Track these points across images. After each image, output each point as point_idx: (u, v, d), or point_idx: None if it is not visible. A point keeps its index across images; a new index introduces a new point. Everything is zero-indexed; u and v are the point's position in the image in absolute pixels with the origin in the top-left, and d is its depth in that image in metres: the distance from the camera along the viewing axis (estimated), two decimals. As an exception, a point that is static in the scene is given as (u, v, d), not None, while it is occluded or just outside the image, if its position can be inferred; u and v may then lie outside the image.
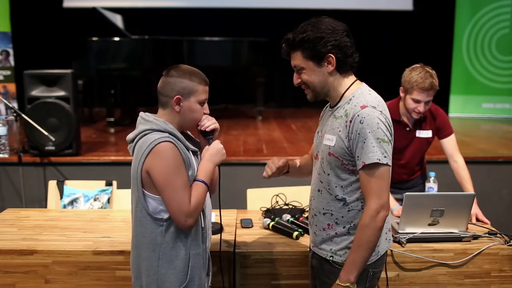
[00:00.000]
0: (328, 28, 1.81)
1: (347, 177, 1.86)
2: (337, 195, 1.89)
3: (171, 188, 1.80)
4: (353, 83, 1.89)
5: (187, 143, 1.91)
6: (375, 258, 1.90)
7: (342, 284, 1.81)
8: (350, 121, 1.80)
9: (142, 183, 1.84)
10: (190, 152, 1.92)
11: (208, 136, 1.98)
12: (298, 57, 1.85)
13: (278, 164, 2.12)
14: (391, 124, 1.84)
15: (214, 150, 1.95)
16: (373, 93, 1.88)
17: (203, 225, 1.93)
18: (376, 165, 1.76)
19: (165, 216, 1.86)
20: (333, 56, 1.82)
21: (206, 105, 1.95)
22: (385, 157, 1.77)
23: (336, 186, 1.88)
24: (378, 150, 1.76)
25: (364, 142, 1.76)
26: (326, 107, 2.03)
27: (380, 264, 1.95)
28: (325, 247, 1.95)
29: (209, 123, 1.97)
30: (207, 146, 1.97)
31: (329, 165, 1.88)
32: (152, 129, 1.85)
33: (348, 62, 1.85)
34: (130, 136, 1.93)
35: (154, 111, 1.96)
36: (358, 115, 1.78)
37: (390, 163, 1.80)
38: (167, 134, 1.84)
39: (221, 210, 2.08)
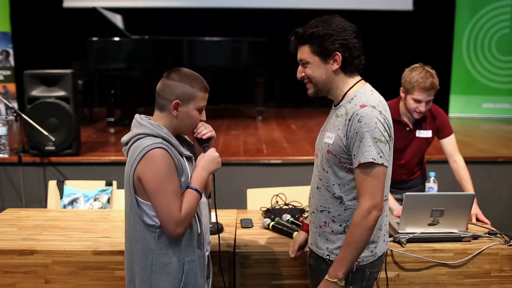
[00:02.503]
0: (339, 26, 1.82)
1: (344, 176, 1.87)
2: (335, 193, 1.89)
3: (161, 195, 1.77)
4: (356, 82, 1.90)
5: (181, 149, 1.88)
6: (372, 258, 1.91)
7: (330, 280, 1.82)
8: (349, 120, 1.80)
9: (135, 189, 1.82)
10: (184, 158, 1.89)
11: (204, 144, 1.95)
12: (306, 51, 1.86)
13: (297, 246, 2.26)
14: (391, 125, 1.85)
15: (210, 157, 1.92)
16: (375, 93, 1.88)
17: (199, 231, 1.91)
18: (371, 164, 1.77)
19: (159, 222, 1.83)
20: (339, 54, 1.83)
21: (203, 113, 1.92)
22: (380, 157, 1.77)
23: (333, 184, 1.89)
24: (374, 149, 1.76)
25: (361, 141, 1.77)
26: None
27: (377, 265, 1.96)
28: (321, 245, 1.95)
29: (206, 131, 1.94)
30: (202, 154, 1.94)
31: (328, 162, 1.89)
32: (145, 133, 1.83)
33: (354, 63, 1.86)
34: (124, 138, 1.90)
35: (153, 112, 1.95)
36: (356, 114, 1.78)
37: (386, 164, 1.80)
38: (160, 140, 1.81)
39: (221, 210, 2.10)
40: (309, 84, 1.92)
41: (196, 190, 1.85)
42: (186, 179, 1.86)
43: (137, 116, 1.91)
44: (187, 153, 1.92)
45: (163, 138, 1.82)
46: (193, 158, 1.97)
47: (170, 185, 1.78)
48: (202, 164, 1.91)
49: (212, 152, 1.94)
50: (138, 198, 1.83)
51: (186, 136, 2.03)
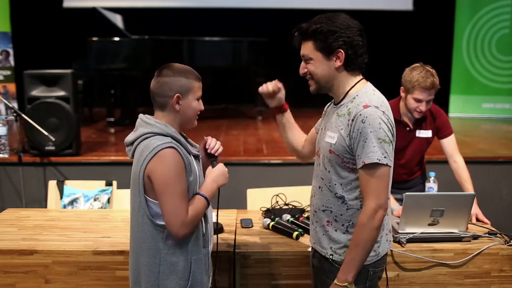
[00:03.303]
0: (343, 24, 1.82)
1: (347, 175, 1.86)
2: (337, 193, 1.89)
3: (169, 195, 1.78)
4: (358, 81, 1.89)
5: (189, 148, 1.90)
6: (375, 258, 1.91)
7: (340, 284, 1.81)
8: (352, 120, 1.80)
9: (144, 188, 1.82)
10: (192, 156, 1.90)
11: (213, 158, 2.03)
12: (309, 47, 1.86)
13: (274, 85, 2.21)
14: (394, 125, 1.84)
15: (221, 172, 1.97)
16: (377, 93, 1.88)
17: (204, 231, 1.92)
18: (376, 165, 1.77)
19: None
20: (342, 52, 1.82)
21: (201, 101, 1.95)
22: (385, 157, 1.77)
23: (336, 184, 1.89)
24: (379, 150, 1.76)
25: (365, 142, 1.77)
26: (330, 104, 2.03)
27: (381, 264, 1.95)
28: (325, 245, 1.95)
29: (218, 146, 2.03)
30: (210, 167, 1.99)
31: (330, 162, 1.88)
32: (153, 132, 1.83)
33: (357, 61, 1.86)
34: (129, 138, 1.90)
35: (154, 112, 1.95)
36: (360, 114, 1.78)
37: (390, 164, 1.80)
38: (169, 139, 1.82)
39: (221, 210, 2.10)
40: (311, 81, 1.91)
41: (206, 198, 1.88)
42: (194, 178, 1.88)
43: (141, 115, 1.91)
44: (195, 152, 1.94)
45: (172, 137, 1.83)
46: (200, 157, 1.99)
47: (178, 186, 1.79)
48: (214, 177, 1.94)
49: (222, 167, 1.99)
50: (148, 197, 1.83)
51: (185, 135, 2.03)
